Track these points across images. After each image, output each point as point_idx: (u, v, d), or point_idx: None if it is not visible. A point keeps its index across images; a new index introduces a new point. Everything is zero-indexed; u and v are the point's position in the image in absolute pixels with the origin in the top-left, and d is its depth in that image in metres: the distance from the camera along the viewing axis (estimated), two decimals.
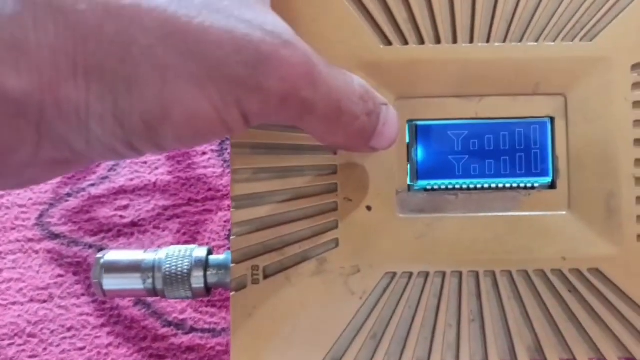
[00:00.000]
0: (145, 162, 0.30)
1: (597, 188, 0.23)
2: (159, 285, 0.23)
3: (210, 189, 0.31)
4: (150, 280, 0.23)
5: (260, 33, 0.16)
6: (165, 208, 0.30)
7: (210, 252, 0.24)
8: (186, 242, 0.29)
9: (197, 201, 0.30)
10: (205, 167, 0.30)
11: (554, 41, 0.23)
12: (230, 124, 0.17)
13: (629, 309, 0.22)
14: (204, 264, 0.23)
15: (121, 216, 0.30)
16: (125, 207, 0.30)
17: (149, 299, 0.28)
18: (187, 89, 0.15)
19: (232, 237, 0.23)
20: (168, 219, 0.29)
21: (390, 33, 0.23)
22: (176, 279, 0.23)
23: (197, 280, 0.23)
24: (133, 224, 0.29)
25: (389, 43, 0.23)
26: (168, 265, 0.23)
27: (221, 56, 0.15)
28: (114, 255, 0.23)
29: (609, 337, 0.22)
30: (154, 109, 0.15)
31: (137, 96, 0.15)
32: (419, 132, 0.23)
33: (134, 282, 0.23)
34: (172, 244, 0.29)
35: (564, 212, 0.23)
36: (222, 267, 0.23)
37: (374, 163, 0.23)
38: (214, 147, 0.31)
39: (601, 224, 0.23)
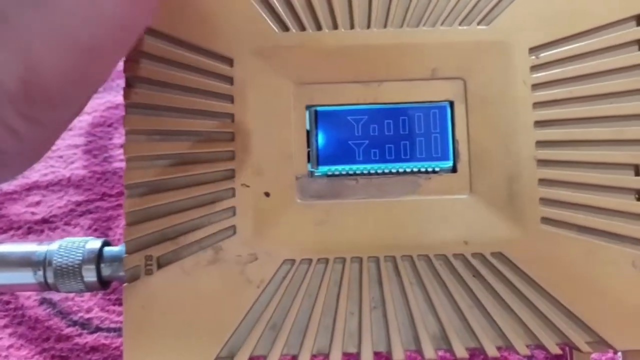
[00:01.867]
0: (61, 157, 0.30)
1: (498, 171, 0.22)
2: (50, 278, 0.22)
3: None
4: (41, 273, 0.22)
5: None
6: (78, 203, 0.29)
7: (107, 244, 0.23)
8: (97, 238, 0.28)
9: (111, 196, 0.29)
10: (122, 160, 0.29)
11: (450, 26, 0.23)
12: None
13: (535, 294, 0.22)
14: (97, 256, 0.22)
15: (32, 212, 0.29)
16: (38, 204, 0.29)
17: (55, 298, 0.27)
18: None
19: (125, 227, 0.22)
20: (80, 215, 0.29)
21: (287, 18, 0.23)
22: (67, 272, 0.22)
23: (89, 273, 0.22)
24: (44, 220, 0.28)
25: (286, 29, 0.23)
26: (59, 258, 0.22)
27: None
28: (4, 248, 0.23)
29: (517, 324, 0.22)
30: None
31: None
32: (318, 118, 0.23)
33: (24, 276, 0.22)
34: None
35: (465, 196, 0.22)
36: (116, 258, 0.22)
37: (273, 149, 0.22)
38: None
39: (504, 207, 0.22)
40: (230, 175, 0.22)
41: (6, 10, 0.13)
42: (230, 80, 0.22)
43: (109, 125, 0.30)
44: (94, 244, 0.23)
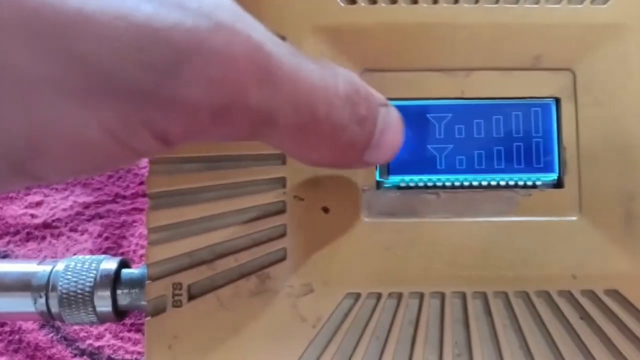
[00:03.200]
0: None
1: (614, 187, 0.18)
2: (54, 307, 0.18)
3: (142, 183, 0.26)
4: (42, 300, 0.18)
5: (175, 15, 0.11)
6: (86, 206, 0.25)
7: (125, 265, 0.19)
8: (108, 249, 0.24)
9: (124, 197, 0.25)
10: None
11: (559, 4, 0.18)
12: (141, 149, 0.12)
13: None
14: (113, 280, 0.18)
15: (32, 215, 0.24)
16: (38, 205, 0.25)
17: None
18: (63, 110, 0.11)
19: (148, 246, 0.18)
20: (88, 220, 0.25)
21: None
22: (76, 300, 0.18)
23: (103, 301, 0.18)
24: (46, 225, 0.24)
25: (353, 1, 0.18)
26: (66, 282, 0.18)
27: (113, 57, 0.10)
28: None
29: None
30: (16, 143, 0.11)
31: None
32: None
33: (22, 303, 0.18)
34: (90, 251, 0.24)
35: (573, 218, 0.18)
36: (136, 284, 0.18)
37: None
38: None
39: (620, 232, 0.18)
40: (281, 184, 0.18)
41: None
42: None
43: None
44: (109, 264, 0.18)
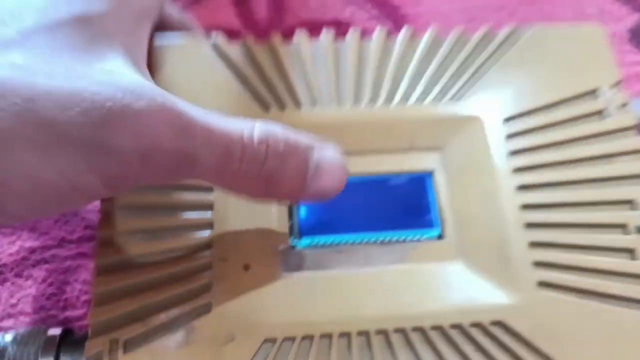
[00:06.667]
0: None
1: (487, 236, 0.22)
2: None
3: (88, 226, 0.26)
4: None
5: (111, 90, 0.15)
6: (32, 250, 0.25)
7: (67, 332, 0.21)
8: (52, 295, 0.24)
9: (70, 242, 0.25)
10: None
11: (422, 102, 0.24)
12: (89, 191, 0.16)
13: None
14: (57, 346, 0.20)
15: None
16: None
17: None
18: (26, 157, 0.14)
19: (92, 309, 0.20)
20: (33, 265, 0.25)
21: (270, 98, 0.24)
22: None
23: None
24: None
25: (267, 109, 0.23)
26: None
27: (65, 118, 0.14)
28: None
29: None
30: None
31: None
32: None
33: None
34: (34, 296, 0.24)
35: (456, 263, 0.21)
36: (79, 344, 0.20)
37: (254, 220, 0.22)
38: None
39: (497, 272, 0.21)
40: (207, 248, 0.21)
41: None
42: None
43: None
44: (53, 332, 0.20)
